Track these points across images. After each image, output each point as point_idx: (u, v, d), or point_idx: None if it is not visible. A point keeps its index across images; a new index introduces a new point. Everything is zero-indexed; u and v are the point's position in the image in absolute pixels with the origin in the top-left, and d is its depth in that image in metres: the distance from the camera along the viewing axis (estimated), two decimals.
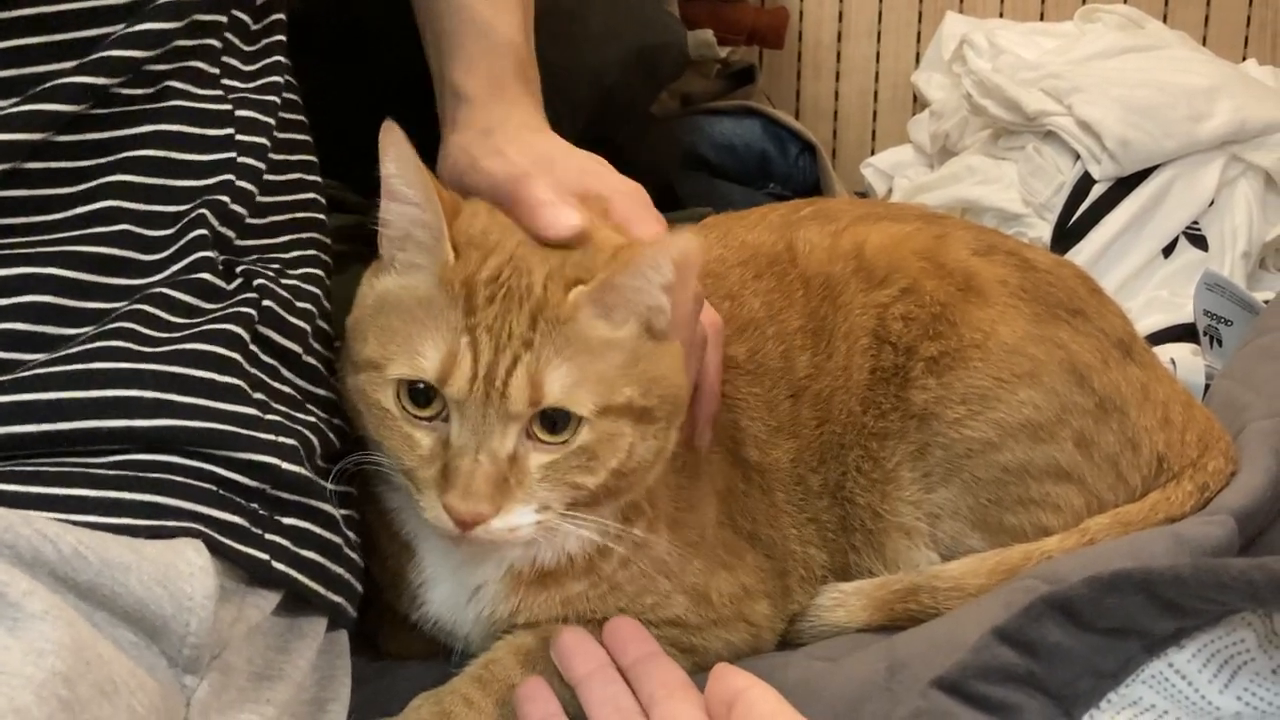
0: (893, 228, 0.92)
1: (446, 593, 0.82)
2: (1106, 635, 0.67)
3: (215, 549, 0.66)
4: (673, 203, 1.40)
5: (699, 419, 0.82)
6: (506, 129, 0.84)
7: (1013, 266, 0.89)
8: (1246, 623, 0.67)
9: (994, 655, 0.69)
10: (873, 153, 1.76)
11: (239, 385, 0.72)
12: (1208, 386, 1.10)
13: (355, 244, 1.05)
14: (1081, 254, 1.29)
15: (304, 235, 0.84)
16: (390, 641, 0.89)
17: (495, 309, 0.71)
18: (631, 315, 0.73)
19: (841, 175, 1.64)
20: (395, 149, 0.72)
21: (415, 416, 0.72)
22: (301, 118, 0.87)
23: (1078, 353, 0.87)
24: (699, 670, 0.77)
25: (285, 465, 0.71)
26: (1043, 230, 1.34)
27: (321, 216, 0.87)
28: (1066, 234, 1.33)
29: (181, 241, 0.74)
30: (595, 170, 0.84)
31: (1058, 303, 0.88)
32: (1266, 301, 1.16)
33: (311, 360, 0.80)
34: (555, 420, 0.71)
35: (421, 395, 0.72)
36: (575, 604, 0.80)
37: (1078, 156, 1.36)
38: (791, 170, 1.53)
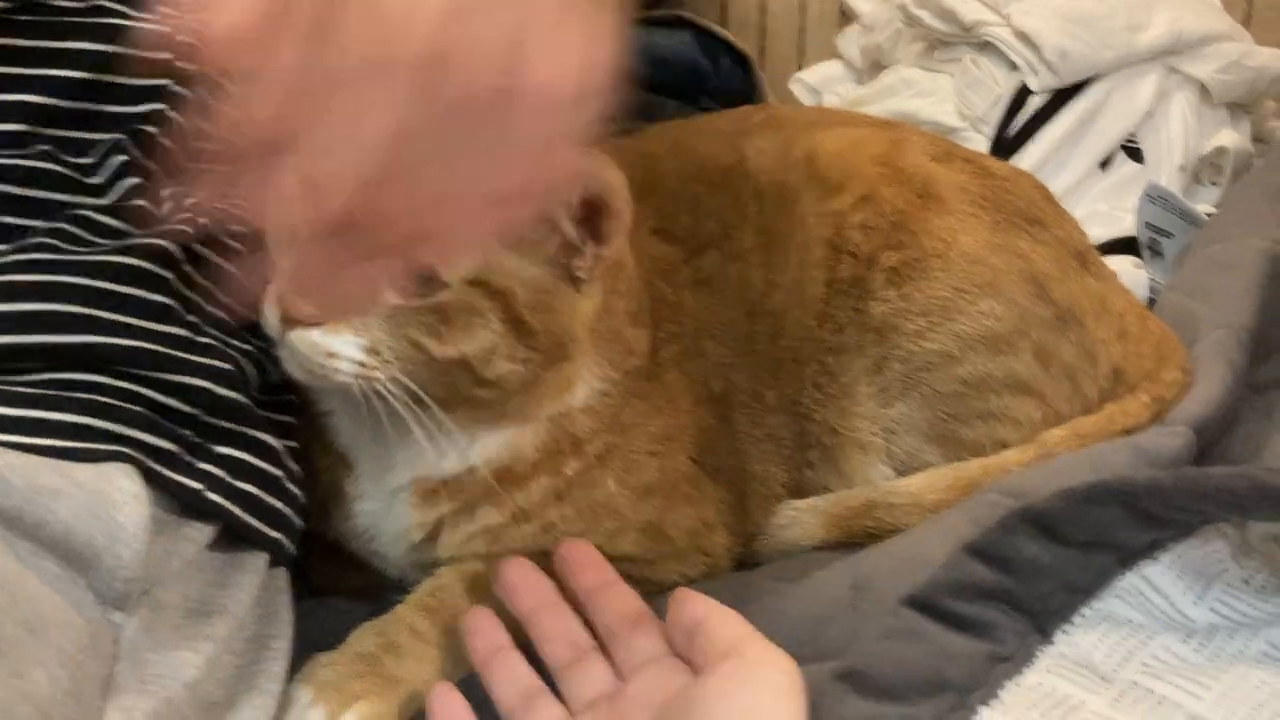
0: (847, 133, 0.88)
1: (374, 507, 0.78)
2: (1081, 549, 0.66)
3: (146, 476, 0.62)
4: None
5: None
6: None
7: (971, 173, 0.87)
8: (1221, 533, 0.66)
9: (966, 571, 0.67)
10: (800, 68, 1.72)
11: (170, 305, 0.67)
12: (1151, 300, 1.09)
13: None
14: (1020, 167, 1.27)
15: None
16: (322, 576, 0.85)
17: None
18: (552, 235, 0.69)
19: (769, 91, 1.60)
20: None
21: None
22: None
23: (1037, 263, 0.85)
24: (654, 597, 0.74)
25: (220, 390, 0.68)
26: (979, 144, 1.32)
27: None
28: (1003, 147, 1.30)
29: (111, 166, 0.70)
30: None
31: (1017, 211, 0.86)
32: (1207, 213, 1.15)
33: None
34: (425, 273, 0.67)
35: None
36: (503, 539, 0.76)
37: (1014, 67, 1.34)
38: (725, 83, 1.48)
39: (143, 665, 0.60)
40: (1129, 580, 0.66)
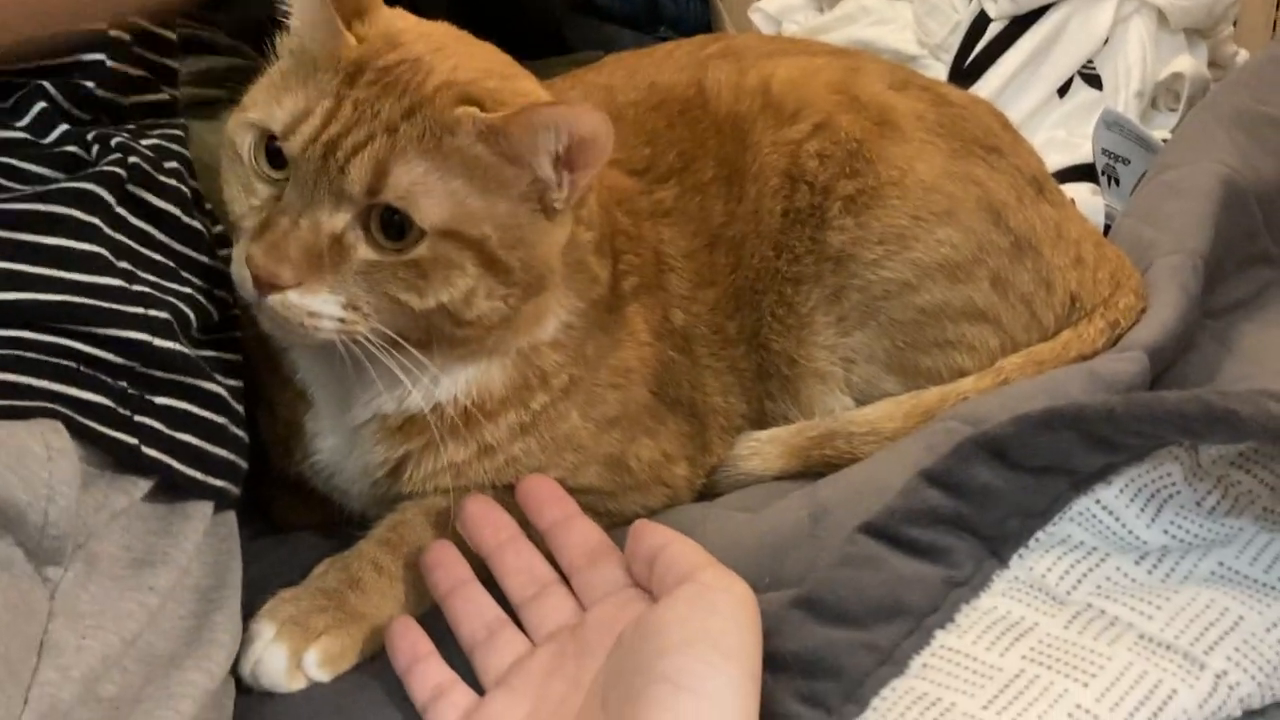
0: (802, 61, 0.88)
1: (335, 444, 0.77)
2: (1035, 474, 0.66)
3: (77, 431, 0.60)
4: (560, 47, 1.33)
5: None
6: None
7: (928, 101, 0.87)
8: (1174, 456, 0.66)
9: (922, 498, 0.67)
10: None
11: (99, 253, 0.65)
12: (1108, 226, 1.10)
13: (227, 87, 0.98)
14: (979, 94, 1.27)
15: (156, 97, 0.77)
16: (284, 512, 0.85)
17: (375, 90, 0.66)
18: (524, 174, 0.68)
19: (728, 20, 1.58)
20: None
21: (264, 172, 0.68)
22: None
23: (994, 190, 0.85)
24: (615, 528, 0.74)
25: (157, 342, 0.65)
26: (939, 71, 1.32)
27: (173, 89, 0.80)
28: (963, 74, 1.30)
29: (34, 112, 0.67)
30: None
31: (973, 139, 0.86)
32: (1164, 140, 1.15)
33: (194, 223, 0.73)
34: (398, 226, 0.66)
35: (277, 156, 0.67)
36: (466, 474, 0.76)
37: None
38: (682, 13, 1.47)
39: (80, 619, 0.59)
40: (1082, 504, 0.66)
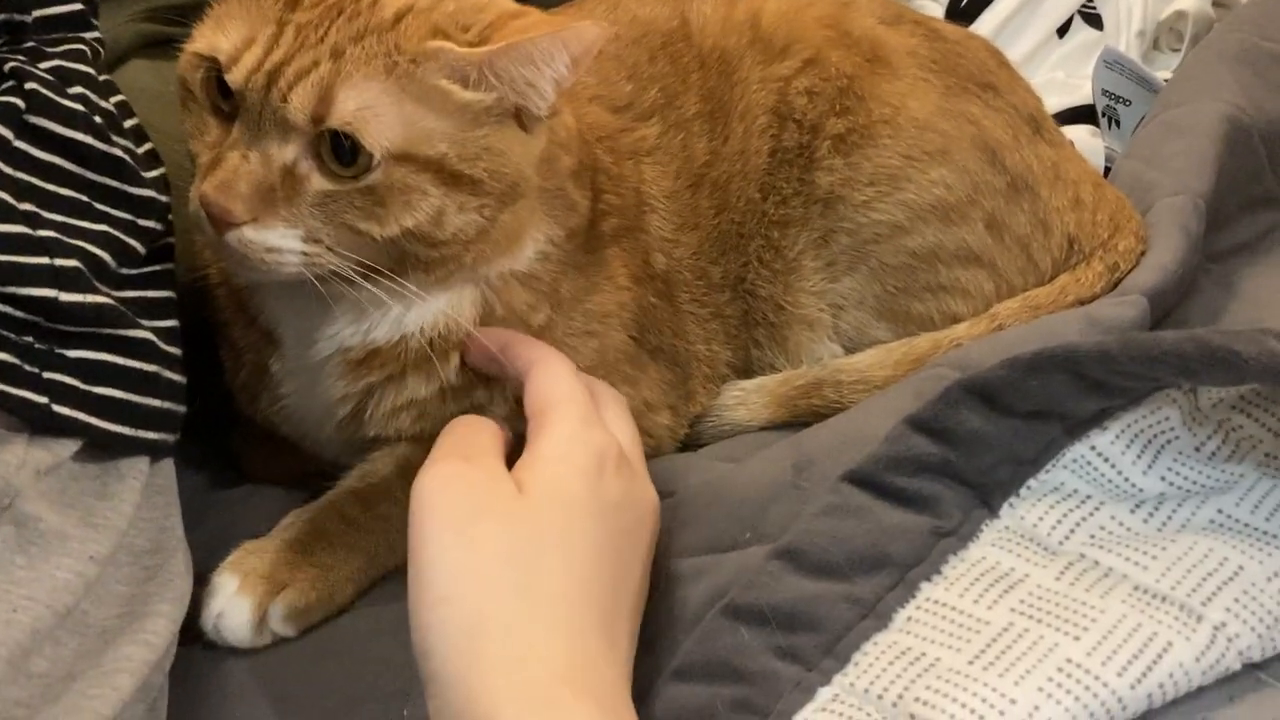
0: None
1: (300, 385, 0.75)
2: (1026, 419, 0.64)
3: None
4: None
5: None
6: None
7: (921, 36, 0.84)
8: (1171, 400, 0.64)
9: (908, 445, 0.65)
10: None
11: None
12: (1108, 168, 1.07)
13: (187, 25, 0.95)
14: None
15: (65, 9, 0.71)
16: (254, 464, 0.83)
17: (318, 12, 0.64)
18: (495, 92, 0.65)
19: None
20: None
21: (217, 106, 0.66)
22: None
23: (989, 129, 0.82)
24: None
25: (64, 296, 0.61)
26: (935, 10, 1.28)
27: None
28: (959, 14, 1.27)
29: None
30: None
31: (968, 76, 0.83)
32: (1166, 80, 1.12)
33: (110, 150, 0.68)
34: (350, 152, 0.64)
35: (227, 89, 0.65)
36: (429, 415, 0.73)
37: None
38: None
39: (13, 588, 0.56)
40: (1076, 450, 0.64)
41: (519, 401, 0.68)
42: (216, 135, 0.66)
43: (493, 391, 0.73)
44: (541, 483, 0.61)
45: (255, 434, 0.81)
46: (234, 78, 0.64)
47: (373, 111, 0.63)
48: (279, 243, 0.64)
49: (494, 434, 0.65)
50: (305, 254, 0.65)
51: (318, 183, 0.64)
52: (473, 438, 0.64)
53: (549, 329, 0.74)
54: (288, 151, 0.64)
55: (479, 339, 0.70)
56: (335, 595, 0.69)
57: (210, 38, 0.66)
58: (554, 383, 0.66)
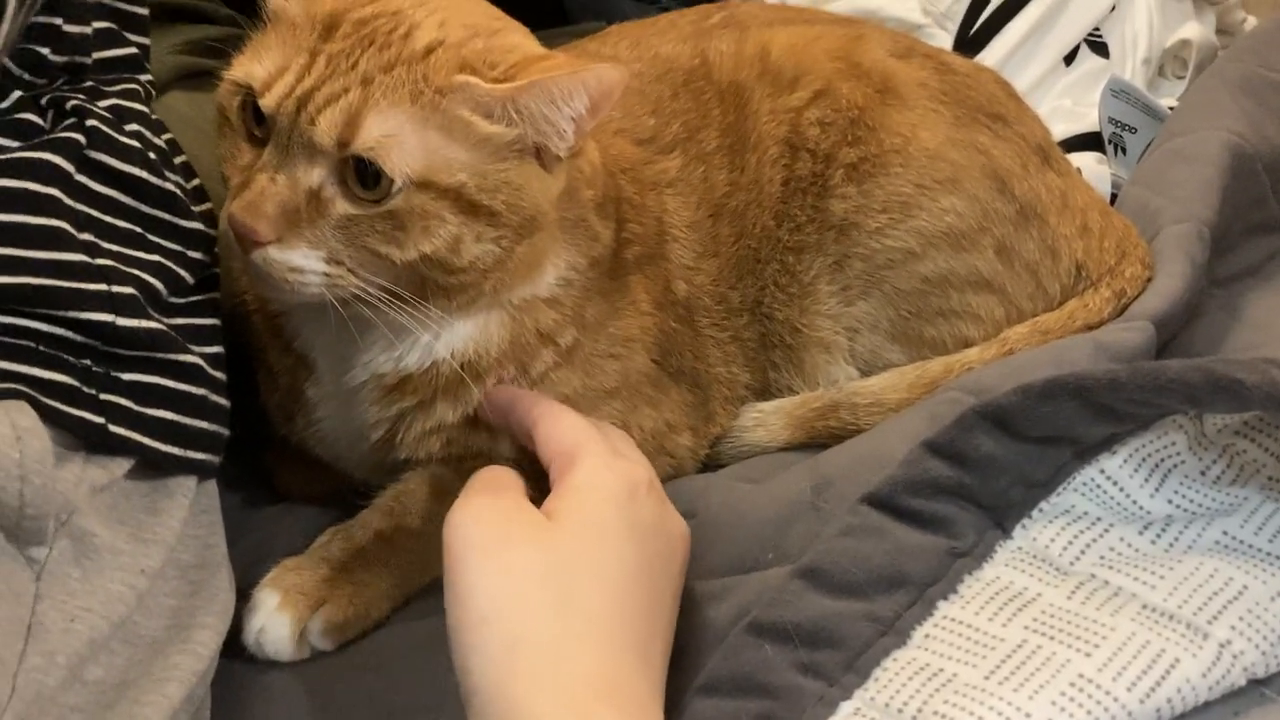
0: (801, 30, 0.87)
1: (334, 409, 0.77)
2: (1038, 444, 0.66)
3: (41, 412, 0.59)
4: (561, 17, 1.32)
5: None
6: None
7: (931, 69, 0.86)
8: (1178, 425, 0.66)
9: (924, 468, 0.67)
10: None
11: (59, 227, 0.63)
12: (1114, 195, 1.09)
13: (225, 59, 0.97)
14: (984, 63, 1.26)
15: (122, 52, 0.74)
16: (287, 482, 0.85)
17: (350, 43, 0.67)
18: (517, 129, 0.68)
19: None
20: None
21: (251, 132, 0.68)
22: None
23: (999, 158, 0.84)
24: None
25: (120, 321, 0.64)
26: (944, 40, 1.30)
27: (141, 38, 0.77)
28: (968, 43, 1.29)
29: None
30: None
31: (978, 107, 0.85)
32: (1171, 108, 1.14)
33: (163, 184, 0.71)
34: (373, 177, 0.66)
35: (261, 115, 0.67)
36: (460, 439, 0.76)
37: None
38: None
39: (69, 599, 0.58)
40: (1087, 474, 0.66)
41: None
42: (249, 159, 0.68)
43: None
44: (572, 509, 0.63)
45: (289, 453, 0.83)
46: (267, 102, 0.66)
47: (397, 139, 0.65)
48: (301, 263, 0.67)
49: (517, 476, 0.67)
50: (327, 275, 0.67)
51: (341, 206, 0.67)
52: (500, 476, 0.66)
53: (576, 349, 0.76)
54: (314, 175, 0.66)
55: (489, 394, 0.73)
56: (371, 611, 0.71)
57: (247, 66, 0.68)
58: (568, 429, 0.68)
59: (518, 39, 0.72)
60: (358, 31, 0.67)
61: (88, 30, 0.71)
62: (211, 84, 0.90)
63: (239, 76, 0.68)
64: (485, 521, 0.61)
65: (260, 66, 0.68)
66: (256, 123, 0.68)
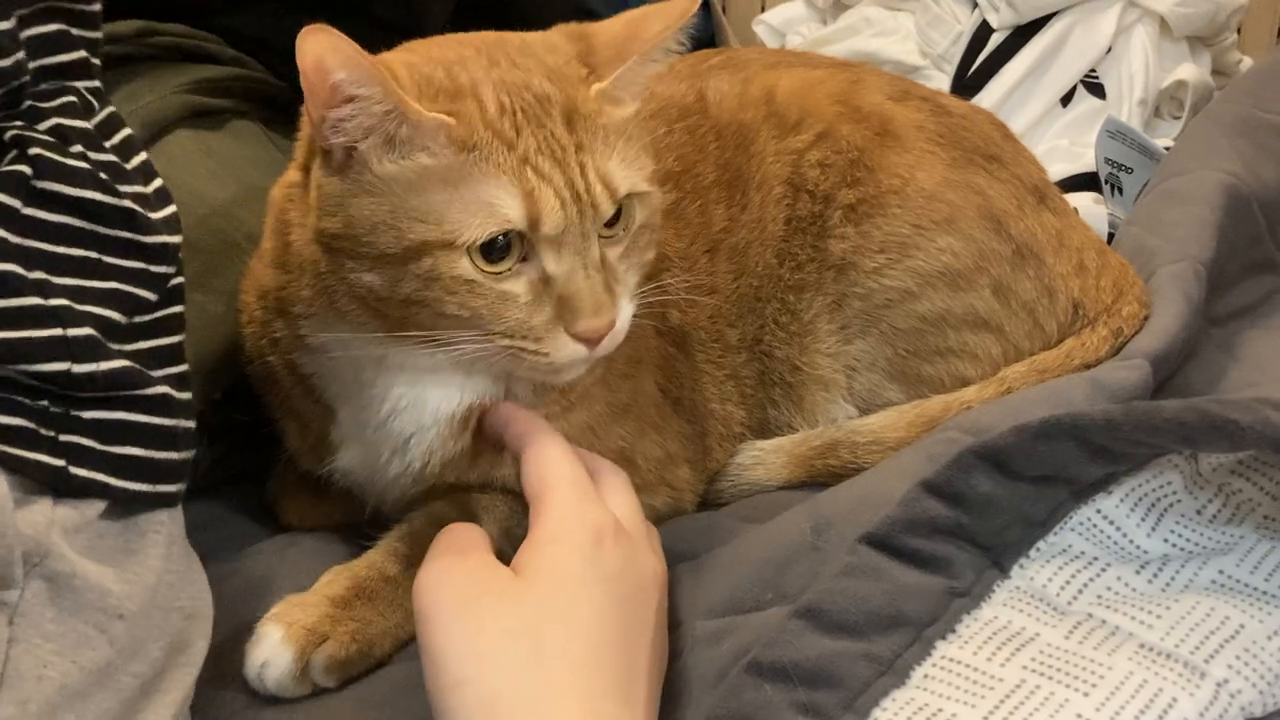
0: (804, 73, 0.88)
1: (361, 451, 0.78)
2: (1035, 483, 0.66)
3: None
4: None
5: None
6: None
7: (928, 112, 0.87)
8: (1174, 465, 0.66)
9: (922, 508, 0.67)
10: (763, 9, 1.71)
11: (8, 271, 0.59)
12: (1111, 235, 1.10)
13: (231, 99, 0.99)
14: (981, 104, 1.27)
15: (67, 57, 0.67)
16: (292, 512, 0.86)
17: (529, 132, 0.66)
18: (630, 95, 0.71)
19: (733, 33, 1.59)
20: (338, 52, 0.63)
21: (496, 274, 0.67)
22: None
23: (995, 199, 0.85)
24: None
25: (76, 368, 0.60)
26: (941, 82, 1.32)
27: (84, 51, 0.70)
28: (965, 85, 1.31)
29: None
30: None
31: (974, 148, 0.86)
32: (1167, 148, 1.16)
33: (119, 202, 0.65)
34: (615, 214, 0.69)
35: (498, 250, 0.66)
36: (480, 465, 0.77)
37: (975, 5, 1.33)
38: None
39: (42, 643, 0.56)
40: (1084, 514, 0.66)
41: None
42: (527, 293, 0.67)
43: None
44: (537, 563, 0.63)
45: (294, 483, 0.84)
46: (551, 225, 0.66)
47: (625, 166, 0.69)
48: (626, 315, 0.70)
49: (483, 534, 0.68)
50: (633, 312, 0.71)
51: (614, 252, 0.70)
52: (465, 535, 0.67)
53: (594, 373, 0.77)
54: (595, 248, 0.68)
55: (488, 411, 0.74)
56: (374, 648, 0.71)
57: (487, 219, 0.65)
58: (548, 464, 0.69)
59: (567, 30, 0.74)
60: (517, 121, 0.67)
61: (20, 55, 0.65)
62: (217, 122, 0.91)
63: (493, 229, 0.65)
64: (453, 582, 0.62)
65: (503, 208, 0.65)
66: (492, 262, 0.67)
